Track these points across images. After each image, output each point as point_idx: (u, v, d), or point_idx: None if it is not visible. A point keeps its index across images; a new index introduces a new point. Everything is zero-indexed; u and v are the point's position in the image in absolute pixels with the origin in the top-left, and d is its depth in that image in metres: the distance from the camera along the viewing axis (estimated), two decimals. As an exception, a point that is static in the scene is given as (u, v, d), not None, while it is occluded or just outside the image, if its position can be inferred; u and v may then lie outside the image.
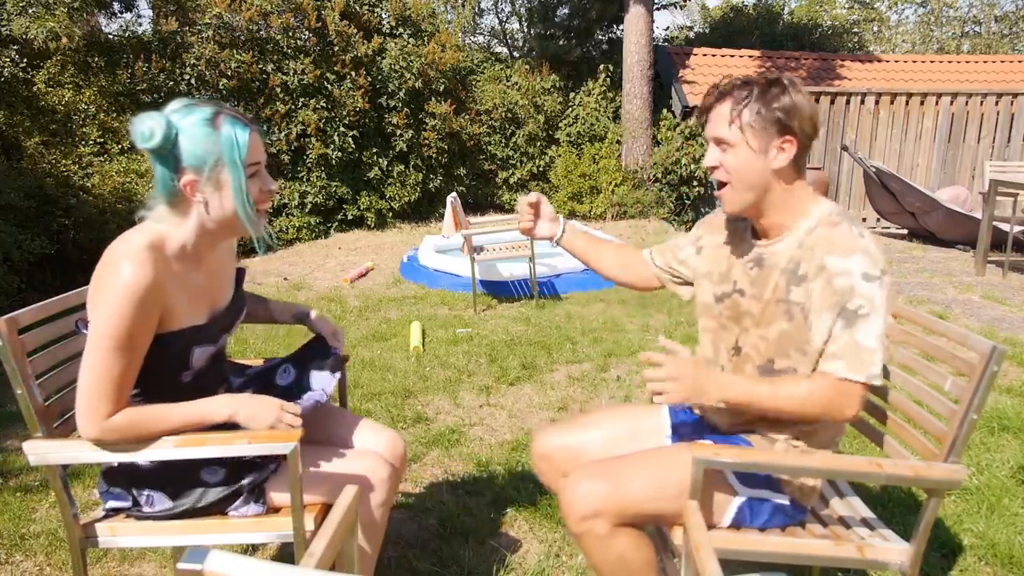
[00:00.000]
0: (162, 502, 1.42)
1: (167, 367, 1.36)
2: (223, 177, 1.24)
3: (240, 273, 1.55)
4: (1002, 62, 11.54)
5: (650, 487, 1.37)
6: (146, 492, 1.42)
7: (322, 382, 1.60)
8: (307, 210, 8.01)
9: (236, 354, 3.82)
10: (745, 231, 1.49)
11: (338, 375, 1.63)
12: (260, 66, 7.81)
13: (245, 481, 1.44)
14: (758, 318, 1.42)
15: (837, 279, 1.28)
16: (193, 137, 1.21)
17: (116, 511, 1.47)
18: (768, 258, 1.41)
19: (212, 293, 1.42)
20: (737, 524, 1.42)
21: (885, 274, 1.30)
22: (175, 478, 1.42)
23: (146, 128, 1.19)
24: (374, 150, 8.42)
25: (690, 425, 1.59)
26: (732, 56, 10.89)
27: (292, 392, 1.59)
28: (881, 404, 1.61)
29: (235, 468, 1.44)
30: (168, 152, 1.21)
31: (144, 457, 1.37)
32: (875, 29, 18.07)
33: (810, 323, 1.33)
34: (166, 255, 1.28)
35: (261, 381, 1.63)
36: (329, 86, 8.05)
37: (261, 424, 1.34)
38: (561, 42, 10.83)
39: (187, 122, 1.22)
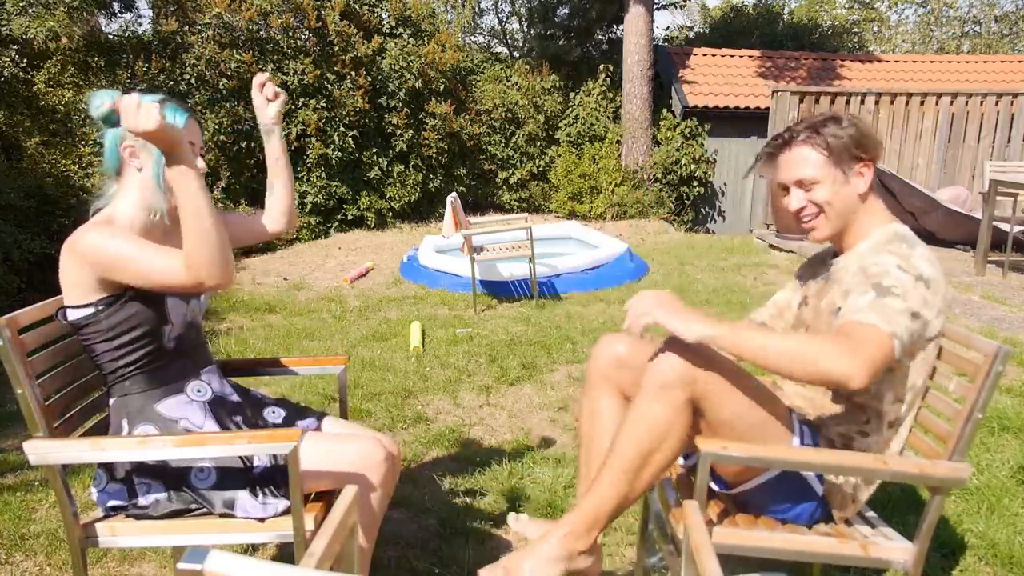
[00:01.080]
0: (158, 491, 1.42)
1: (146, 320, 1.42)
2: (151, 147, 1.41)
3: None
4: (1002, 62, 11.55)
5: (743, 403, 1.34)
6: (147, 481, 1.42)
7: (310, 423, 1.67)
8: (307, 210, 8.00)
9: (236, 354, 3.81)
10: (828, 254, 1.57)
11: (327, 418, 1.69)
12: (260, 66, 7.81)
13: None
14: (811, 325, 1.49)
15: (872, 267, 1.32)
16: None
17: (115, 510, 1.47)
18: (834, 273, 1.47)
19: None
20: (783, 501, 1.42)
21: (922, 279, 1.29)
22: (171, 474, 1.43)
23: (98, 100, 1.39)
24: (374, 150, 8.42)
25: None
26: (732, 56, 10.89)
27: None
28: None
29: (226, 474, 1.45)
30: (116, 121, 1.39)
31: (144, 457, 1.37)
32: (875, 29, 18.08)
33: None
34: (119, 228, 1.40)
35: (254, 408, 1.65)
36: (329, 86, 8.05)
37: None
38: (561, 42, 10.83)
39: (145, 98, 1.36)
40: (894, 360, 1.23)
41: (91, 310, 1.38)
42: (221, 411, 1.52)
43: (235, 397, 1.60)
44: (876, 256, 1.35)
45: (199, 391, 1.51)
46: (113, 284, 1.37)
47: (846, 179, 1.40)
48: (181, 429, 1.45)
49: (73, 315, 1.40)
